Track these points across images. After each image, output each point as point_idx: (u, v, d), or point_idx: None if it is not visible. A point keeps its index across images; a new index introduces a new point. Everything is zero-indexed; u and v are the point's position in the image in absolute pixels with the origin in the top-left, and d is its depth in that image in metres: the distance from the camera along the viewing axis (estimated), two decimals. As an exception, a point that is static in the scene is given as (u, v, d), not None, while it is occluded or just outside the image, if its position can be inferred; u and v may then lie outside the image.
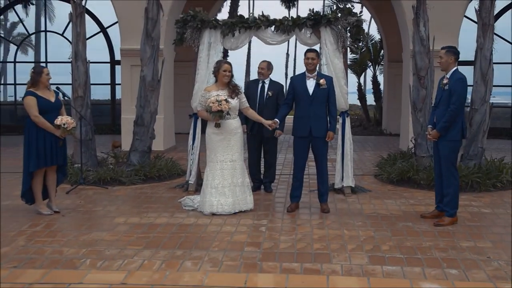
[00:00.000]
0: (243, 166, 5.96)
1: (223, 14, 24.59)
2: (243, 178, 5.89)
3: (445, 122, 5.32)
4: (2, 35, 20.02)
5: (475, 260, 4.29)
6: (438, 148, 5.46)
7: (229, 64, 5.88)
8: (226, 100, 5.64)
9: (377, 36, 18.77)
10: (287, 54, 34.07)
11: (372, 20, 20.45)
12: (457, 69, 5.41)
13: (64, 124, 5.61)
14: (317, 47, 6.58)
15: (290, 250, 4.58)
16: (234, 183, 5.80)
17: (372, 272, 4.04)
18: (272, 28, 6.98)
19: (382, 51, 17.24)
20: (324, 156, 5.98)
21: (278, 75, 40.02)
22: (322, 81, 5.81)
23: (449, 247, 4.63)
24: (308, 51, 5.98)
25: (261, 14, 6.95)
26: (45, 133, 5.65)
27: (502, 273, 4.02)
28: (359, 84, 18.58)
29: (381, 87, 17.33)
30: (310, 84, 5.84)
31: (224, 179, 5.79)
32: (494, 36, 8.05)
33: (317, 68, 6.11)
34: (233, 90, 5.84)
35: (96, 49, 15.45)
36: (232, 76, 5.86)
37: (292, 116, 6.06)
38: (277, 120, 5.96)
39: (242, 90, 6.00)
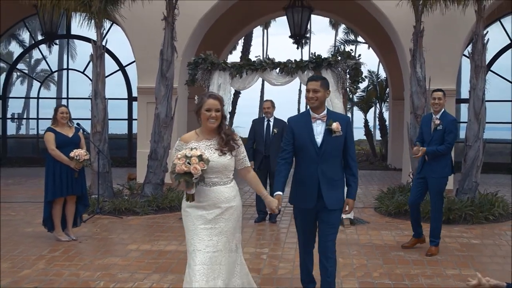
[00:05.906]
0: (242, 260, 3.72)
1: (237, 53, 25.54)
2: (241, 278, 3.65)
3: (439, 151, 5.64)
4: (26, 72, 21.03)
5: (458, 287, 4.56)
6: (427, 184, 5.76)
7: (217, 99, 3.54)
8: (200, 157, 3.30)
9: (383, 75, 19.34)
10: (300, 91, 34.95)
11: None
12: (445, 110, 5.88)
13: (76, 156, 6.13)
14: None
15: (288, 275, 4.92)
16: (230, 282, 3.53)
17: (361, 296, 4.35)
18: (277, 70, 7.56)
19: (387, 89, 17.76)
20: (335, 232, 4.04)
21: (290, 112, 40.65)
22: (335, 125, 3.89)
23: (435, 275, 4.94)
24: (310, 79, 4.05)
25: (266, 57, 7.56)
26: (61, 165, 6.17)
27: (483, 299, 4.33)
28: (366, 120, 19.01)
29: (387, 123, 17.75)
30: (318, 130, 3.94)
31: (214, 279, 3.38)
32: (493, 74, 8.44)
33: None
34: (226, 141, 3.51)
35: (115, 85, 16.08)
36: (223, 117, 3.56)
37: None
38: (280, 194, 3.96)
39: (240, 142, 3.63)
